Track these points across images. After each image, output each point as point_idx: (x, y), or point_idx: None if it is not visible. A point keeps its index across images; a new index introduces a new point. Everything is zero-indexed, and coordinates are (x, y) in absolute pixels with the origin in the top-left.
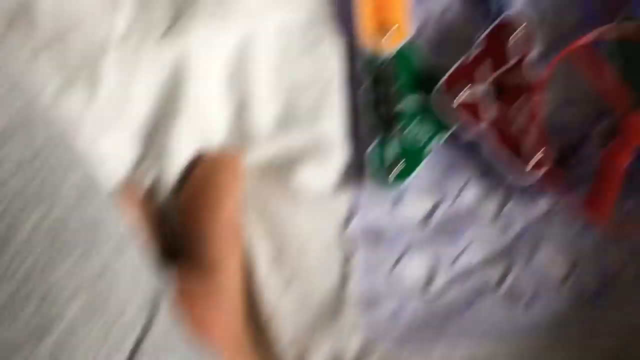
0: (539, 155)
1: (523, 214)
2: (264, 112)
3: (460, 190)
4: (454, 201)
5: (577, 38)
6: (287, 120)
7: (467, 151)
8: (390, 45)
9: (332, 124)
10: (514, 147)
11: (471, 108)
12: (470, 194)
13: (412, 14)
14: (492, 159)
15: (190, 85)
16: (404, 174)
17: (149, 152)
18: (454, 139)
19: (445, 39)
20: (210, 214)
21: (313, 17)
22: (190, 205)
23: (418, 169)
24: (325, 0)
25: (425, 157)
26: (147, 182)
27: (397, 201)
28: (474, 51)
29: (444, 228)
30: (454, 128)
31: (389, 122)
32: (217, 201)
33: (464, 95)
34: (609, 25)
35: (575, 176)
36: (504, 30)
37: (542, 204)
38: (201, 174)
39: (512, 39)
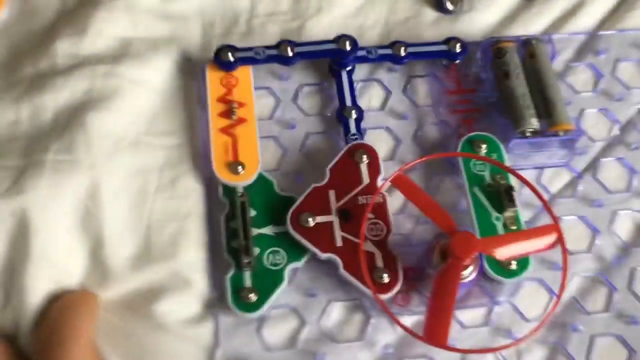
0: (388, 277)
1: (384, 333)
2: (122, 250)
3: (323, 311)
4: (317, 322)
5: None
6: (146, 255)
7: (326, 274)
8: (243, 179)
9: (191, 256)
10: (365, 269)
11: (320, 234)
12: (334, 314)
13: (266, 149)
14: (348, 281)
15: (37, 235)
16: (262, 299)
17: (8, 297)
18: (312, 263)
19: (300, 171)
20: (60, 352)
21: (171, 158)
22: (43, 345)
23: (277, 293)
24: (182, 142)
25: (282, 282)
26: (7, 325)
27: (260, 326)
28: (322, 181)
29: (309, 349)
30: (308, 254)
31: (246, 250)
32: (68, 339)
33: (312, 223)
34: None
35: (425, 295)
36: (353, 158)
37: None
38: (55, 314)
39: (361, 165)
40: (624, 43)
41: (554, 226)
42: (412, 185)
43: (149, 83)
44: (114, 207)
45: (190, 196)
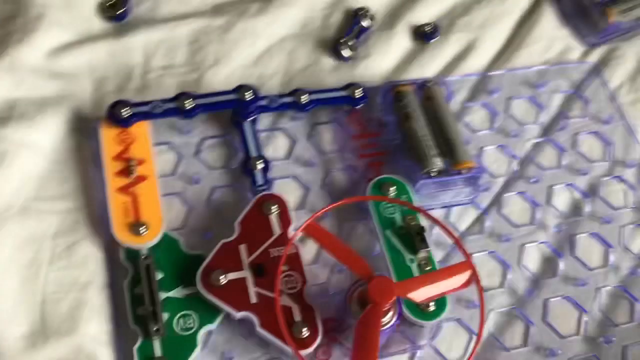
0: (307, 331)
1: None
2: (14, 328)
3: None
4: None
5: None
6: (42, 332)
7: (242, 334)
8: (146, 240)
9: (93, 329)
10: (284, 326)
11: (233, 292)
12: None
13: (170, 207)
14: (267, 340)
15: None
16: None
17: None
18: (227, 323)
19: (207, 227)
20: None
21: (64, 224)
22: None
23: (193, 357)
24: (77, 206)
25: (196, 347)
26: None
27: None
28: (232, 236)
29: None
30: (222, 314)
31: (154, 316)
32: None
33: (224, 280)
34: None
35: (344, 341)
36: (261, 210)
37: None
38: None
39: (271, 216)
40: (515, 81)
41: (467, 263)
42: (325, 233)
43: (37, 145)
44: (3, 282)
45: (88, 263)
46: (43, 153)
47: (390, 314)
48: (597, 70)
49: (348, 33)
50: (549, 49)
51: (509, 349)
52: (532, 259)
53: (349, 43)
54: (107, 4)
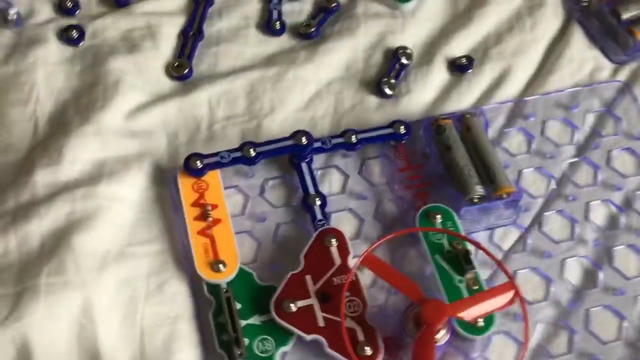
0: (370, 350)
1: None
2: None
3: None
4: None
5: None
6: None
7: (313, 355)
8: (225, 276)
9: (186, 355)
10: (349, 345)
11: (303, 318)
12: None
13: (242, 244)
14: (335, 358)
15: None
16: None
17: None
18: (299, 345)
19: (275, 260)
20: None
21: (155, 265)
22: None
23: None
24: (164, 248)
25: None
26: None
27: None
28: (298, 268)
29: None
30: (294, 337)
31: (237, 342)
32: None
33: (294, 308)
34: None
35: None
36: (323, 243)
37: None
38: None
39: (331, 248)
40: (548, 104)
41: (510, 284)
42: (380, 263)
43: (125, 198)
44: (107, 319)
45: (177, 299)
46: (131, 204)
47: (443, 332)
48: (628, 87)
49: (389, 72)
50: (580, 69)
51: (553, 356)
52: (573, 272)
53: (391, 81)
54: (174, 65)
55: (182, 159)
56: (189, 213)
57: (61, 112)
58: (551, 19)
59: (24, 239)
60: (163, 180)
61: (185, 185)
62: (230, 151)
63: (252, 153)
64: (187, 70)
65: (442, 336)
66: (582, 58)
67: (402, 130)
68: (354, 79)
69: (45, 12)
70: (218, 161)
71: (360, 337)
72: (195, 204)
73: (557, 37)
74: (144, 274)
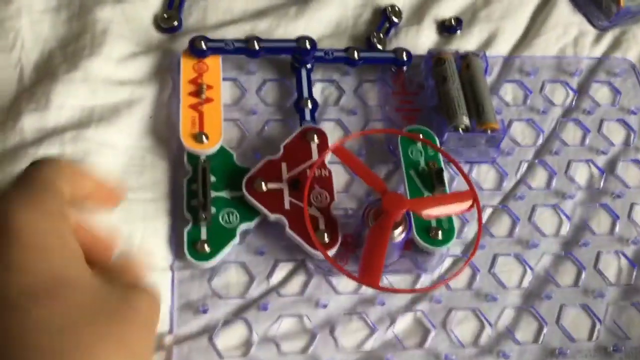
0: (328, 237)
1: (322, 291)
2: None
3: (271, 270)
4: (266, 279)
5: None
6: None
7: (274, 237)
8: (206, 147)
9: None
10: (310, 230)
11: (271, 198)
12: (278, 274)
13: (229, 130)
14: (293, 240)
15: None
16: (215, 251)
17: None
18: (263, 226)
19: (258, 149)
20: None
21: (148, 213)
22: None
23: (229, 247)
24: (157, 196)
25: (234, 238)
26: None
27: (212, 277)
28: (276, 155)
29: (257, 304)
30: (259, 217)
31: (203, 207)
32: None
33: (264, 188)
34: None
35: (359, 253)
36: (305, 138)
37: (340, 282)
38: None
39: (312, 143)
40: (551, 66)
41: (471, 192)
42: (349, 155)
43: (115, 144)
44: None
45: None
46: (120, 151)
47: (401, 228)
48: (635, 67)
49: (379, 28)
50: (564, 34)
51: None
52: (543, 218)
53: (380, 36)
54: (163, 17)
55: (167, 111)
56: (185, 88)
57: (47, 60)
58: None
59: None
60: (153, 130)
61: (187, 64)
62: (235, 40)
63: (256, 46)
64: (176, 22)
65: (398, 234)
66: (567, 23)
67: (404, 56)
68: (344, 35)
69: None
70: (222, 47)
71: (322, 225)
72: (192, 81)
73: (543, 2)
74: (139, 218)
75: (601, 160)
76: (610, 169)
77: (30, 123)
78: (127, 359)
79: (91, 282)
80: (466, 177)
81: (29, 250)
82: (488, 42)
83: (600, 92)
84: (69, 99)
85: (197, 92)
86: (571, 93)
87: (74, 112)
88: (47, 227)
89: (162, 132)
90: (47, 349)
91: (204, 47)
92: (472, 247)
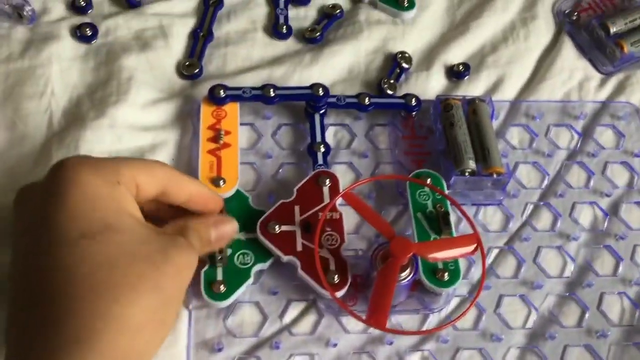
0: (338, 278)
1: (332, 330)
2: None
3: (284, 309)
4: (278, 318)
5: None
6: None
7: (287, 277)
8: (223, 191)
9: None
10: (320, 267)
11: (284, 240)
12: (291, 313)
13: (245, 173)
14: (305, 281)
15: None
16: (230, 291)
17: None
18: (277, 267)
19: (272, 192)
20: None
21: None
22: None
23: (243, 287)
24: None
25: (249, 278)
26: None
27: (227, 316)
28: (290, 198)
29: (270, 342)
30: (273, 258)
31: (220, 250)
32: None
33: (278, 230)
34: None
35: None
36: (317, 182)
37: (350, 322)
38: None
39: (324, 187)
40: (557, 110)
41: (475, 235)
42: (358, 200)
43: None
44: None
45: None
46: None
47: (408, 271)
48: (637, 111)
49: (390, 74)
50: (570, 78)
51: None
52: (548, 258)
53: (391, 82)
54: (185, 64)
55: (188, 155)
56: (204, 134)
57: (76, 106)
58: (543, 30)
59: None
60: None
61: (206, 111)
62: (252, 88)
63: (272, 93)
64: (197, 70)
65: (405, 276)
66: (572, 68)
67: (413, 102)
68: (356, 80)
69: (58, 10)
70: (239, 94)
71: (332, 266)
72: (211, 127)
73: (549, 48)
74: None
75: (605, 203)
76: (613, 211)
77: None
78: (159, 299)
79: (139, 230)
80: (470, 221)
81: (87, 202)
82: (495, 87)
83: (605, 136)
84: (96, 144)
85: (216, 138)
86: (576, 136)
87: (102, 156)
88: (104, 188)
89: (186, 159)
90: (99, 281)
91: (222, 94)
92: (477, 287)
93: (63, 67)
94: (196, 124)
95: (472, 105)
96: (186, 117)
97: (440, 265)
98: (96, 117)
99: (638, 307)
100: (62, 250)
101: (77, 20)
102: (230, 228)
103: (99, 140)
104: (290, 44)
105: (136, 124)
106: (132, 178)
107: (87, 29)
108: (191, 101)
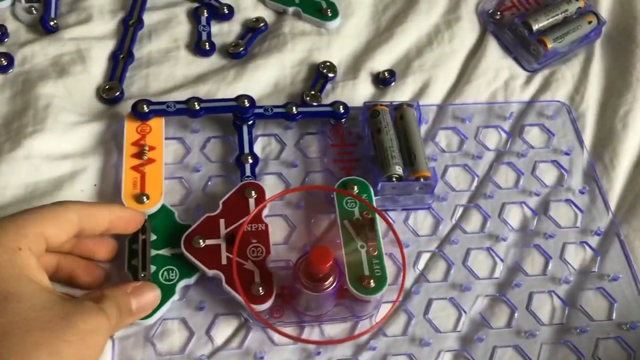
0: (262, 290)
1: (262, 342)
2: None
3: (210, 326)
4: (205, 334)
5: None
6: None
7: (213, 292)
8: (147, 207)
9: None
10: (237, 280)
11: (208, 255)
12: (218, 328)
13: (173, 188)
14: (230, 294)
15: None
16: (155, 309)
17: None
18: (203, 282)
19: (200, 206)
20: None
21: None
22: None
23: (168, 304)
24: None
25: (173, 294)
26: None
27: (152, 334)
28: (215, 212)
29: (195, 354)
30: (198, 273)
31: (143, 266)
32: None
33: (202, 244)
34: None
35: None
36: (243, 194)
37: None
38: None
39: (250, 199)
40: (485, 112)
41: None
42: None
43: None
44: None
45: None
46: None
47: (332, 278)
48: (567, 107)
49: (312, 85)
50: (496, 78)
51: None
52: (478, 260)
53: (312, 93)
54: (105, 88)
55: (113, 178)
56: (128, 150)
57: None
58: (468, 32)
59: None
60: (99, 194)
61: (130, 127)
62: (177, 102)
63: (197, 106)
64: (118, 93)
65: (329, 283)
66: (498, 67)
67: (341, 109)
68: (282, 94)
69: None
70: (164, 109)
71: (257, 278)
72: (135, 143)
73: (474, 49)
74: None
75: (534, 202)
76: (543, 210)
77: None
78: None
79: (40, 296)
80: (390, 225)
81: None
82: (422, 91)
83: (534, 135)
84: (12, 177)
85: (140, 154)
86: (505, 136)
87: (18, 190)
88: (3, 255)
89: (107, 195)
90: None
91: (146, 109)
92: (408, 292)
93: None
94: (121, 144)
95: (399, 111)
96: (108, 141)
97: (366, 273)
98: (11, 149)
99: (567, 305)
100: None
101: None
102: (152, 296)
103: (15, 172)
104: (214, 61)
105: (54, 153)
106: (38, 235)
107: (3, 59)
108: (114, 123)
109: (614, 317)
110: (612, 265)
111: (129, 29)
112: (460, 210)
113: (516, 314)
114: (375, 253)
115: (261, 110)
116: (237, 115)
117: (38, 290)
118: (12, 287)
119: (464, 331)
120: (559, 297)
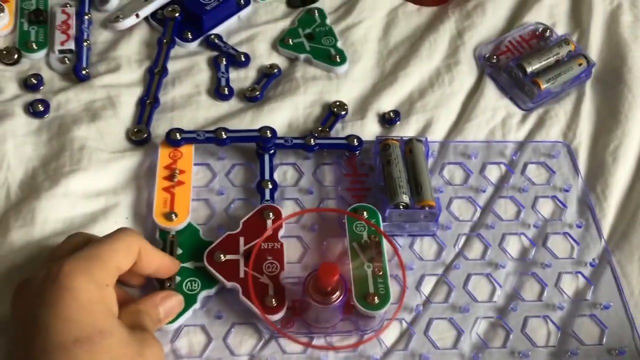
0: (275, 302)
1: (274, 351)
2: None
3: (227, 333)
4: (223, 342)
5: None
6: None
7: (232, 303)
8: (175, 224)
9: None
10: (252, 291)
11: (228, 268)
12: (234, 336)
13: (199, 209)
14: (245, 305)
15: None
16: (178, 315)
17: None
18: (223, 294)
19: (223, 225)
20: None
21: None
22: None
23: (190, 311)
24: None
25: (195, 303)
26: None
27: (174, 339)
28: (236, 230)
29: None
30: (218, 285)
31: (169, 278)
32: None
33: (223, 259)
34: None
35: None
36: (262, 215)
37: (287, 343)
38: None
39: (268, 220)
40: (490, 150)
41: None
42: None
43: None
44: None
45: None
46: None
47: (338, 292)
48: (569, 148)
49: (323, 123)
50: (493, 117)
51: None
52: (480, 286)
53: (320, 129)
54: (134, 131)
55: (145, 211)
56: (160, 173)
57: (31, 178)
58: (466, 75)
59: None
60: (133, 217)
61: (163, 152)
62: (205, 131)
63: (224, 135)
64: (145, 135)
65: (336, 297)
66: (495, 107)
67: (355, 142)
68: (295, 133)
69: (11, 89)
70: (194, 137)
71: (271, 292)
72: (167, 167)
73: (472, 90)
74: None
75: (533, 233)
76: (541, 241)
77: (18, 237)
78: None
79: (122, 332)
80: (395, 248)
81: (81, 308)
82: (425, 129)
83: (536, 172)
84: (51, 213)
85: (171, 177)
86: (509, 173)
87: (57, 224)
88: (95, 293)
89: (138, 227)
90: None
91: (178, 137)
92: (411, 310)
93: (17, 143)
94: (148, 180)
95: (408, 145)
96: (138, 178)
97: (371, 290)
98: (50, 188)
99: (560, 330)
100: (56, 355)
101: (30, 97)
102: (176, 303)
103: (54, 209)
104: (232, 104)
105: (89, 191)
106: (116, 269)
107: (40, 105)
108: (142, 163)
109: (604, 342)
110: (605, 294)
111: (155, 76)
112: (463, 239)
113: (511, 336)
114: (381, 273)
115: (282, 141)
116: (260, 145)
117: (120, 326)
118: (103, 323)
119: (462, 350)
120: (552, 322)
